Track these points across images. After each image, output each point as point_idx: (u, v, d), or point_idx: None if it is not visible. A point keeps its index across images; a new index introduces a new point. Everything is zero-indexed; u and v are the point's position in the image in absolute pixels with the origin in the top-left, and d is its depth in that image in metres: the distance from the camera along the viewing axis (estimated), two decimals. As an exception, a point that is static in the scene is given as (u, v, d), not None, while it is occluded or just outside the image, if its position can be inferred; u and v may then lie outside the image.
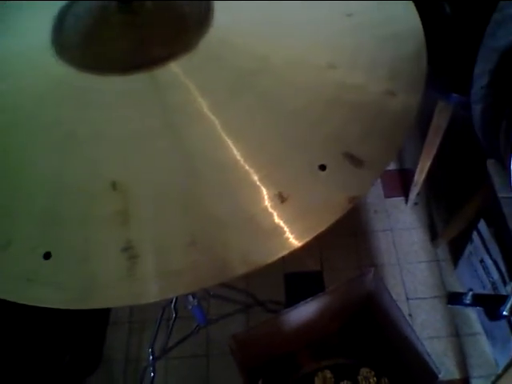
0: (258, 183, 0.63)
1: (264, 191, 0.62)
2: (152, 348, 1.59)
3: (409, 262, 1.84)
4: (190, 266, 0.58)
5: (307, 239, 0.60)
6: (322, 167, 0.64)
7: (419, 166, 1.71)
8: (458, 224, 1.68)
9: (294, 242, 0.60)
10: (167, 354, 1.65)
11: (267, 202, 0.62)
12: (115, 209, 0.62)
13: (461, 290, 1.73)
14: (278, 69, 0.73)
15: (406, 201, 1.96)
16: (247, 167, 0.64)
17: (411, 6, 0.83)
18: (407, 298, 1.76)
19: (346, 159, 0.64)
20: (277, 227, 0.60)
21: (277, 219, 0.61)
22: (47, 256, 0.60)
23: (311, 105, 0.70)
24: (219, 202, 0.63)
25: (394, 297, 1.40)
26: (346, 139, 0.67)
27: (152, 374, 1.58)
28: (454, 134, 1.56)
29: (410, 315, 1.71)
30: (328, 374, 1.44)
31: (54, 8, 0.83)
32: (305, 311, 1.39)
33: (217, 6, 0.79)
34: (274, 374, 1.48)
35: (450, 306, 1.64)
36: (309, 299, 1.34)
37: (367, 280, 1.44)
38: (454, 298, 1.38)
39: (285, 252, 0.59)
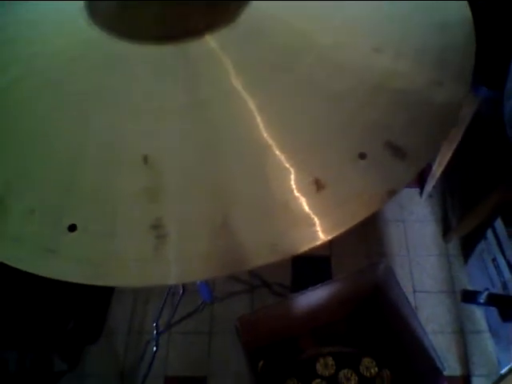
0: (291, 168, 0.60)
1: (298, 177, 0.60)
2: (157, 323, 1.58)
3: (419, 255, 1.82)
4: (216, 250, 0.56)
5: (338, 232, 0.57)
6: (362, 155, 0.61)
7: (438, 159, 1.67)
8: (473, 220, 1.66)
9: (324, 234, 0.57)
10: (171, 328, 1.64)
11: (301, 189, 0.59)
12: (145, 184, 0.59)
13: (469, 287, 1.73)
14: (321, 48, 0.70)
15: (421, 193, 1.93)
16: (278, 152, 0.61)
17: None
18: (414, 291, 1.74)
19: (387, 149, 0.61)
20: (308, 217, 0.58)
21: (309, 208, 0.58)
22: (72, 228, 0.57)
23: (354, 89, 0.66)
24: (250, 185, 0.60)
25: (402, 287, 1.38)
26: (389, 128, 0.64)
27: (154, 349, 1.57)
28: (477, 128, 1.53)
29: (415, 308, 1.70)
30: (330, 360, 1.44)
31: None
32: (312, 297, 1.38)
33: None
34: (275, 356, 1.48)
35: (463, 303, 1.61)
36: (317, 286, 1.32)
37: (378, 270, 1.42)
38: (468, 296, 1.36)
39: (314, 244, 0.56)
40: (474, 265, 1.69)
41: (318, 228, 0.57)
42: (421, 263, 1.80)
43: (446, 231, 1.86)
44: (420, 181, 1.94)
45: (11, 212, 0.59)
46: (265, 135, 0.63)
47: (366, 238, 1.86)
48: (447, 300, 1.72)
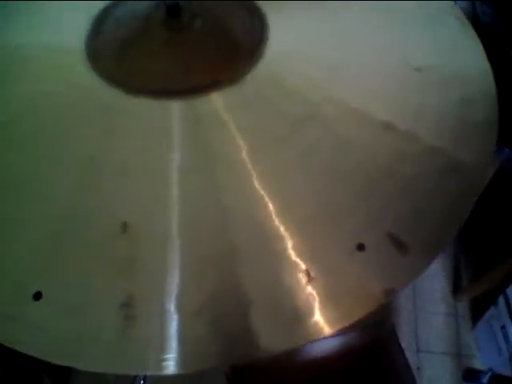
0: (289, 251, 0.55)
1: (295, 263, 0.55)
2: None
3: (426, 311, 1.75)
4: (194, 340, 0.51)
5: (335, 328, 0.52)
6: (361, 247, 0.56)
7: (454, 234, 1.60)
8: (485, 284, 1.59)
9: (321, 328, 0.52)
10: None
11: (295, 277, 0.54)
12: (120, 255, 0.55)
13: (475, 352, 1.65)
14: (328, 120, 0.65)
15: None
16: (282, 229, 0.56)
17: (486, 67, 0.74)
18: (418, 350, 1.67)
19: (389, 241, 0.56)
20: (301, 309, 0.52)
21: (298, 301, 0.53)
22: (38, 296, 0.53)
23: (360, 170, 0.61)
24: (241, 265, 0.56)
25: (405, 346, 1.34)
26: (393, 217, 0.58)
27: (142, 382, 1.53)
28: (497, 188, 1.47)
29: (418, 368, 1.62)
30: (325, 415, 1.38)
31: (96, 7, 0.76)
32: (310, 350, 1.33)
33: (272, 36, 0.71)
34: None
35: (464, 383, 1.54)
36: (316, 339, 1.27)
37: (381, 328, 1.38)
38: (470, 376, 1.30)
39: (307, 340, 0.51)
40: (481, 330, 1.63)
41: (309, 324, 0.52)
42: (427, 321, 1.73)
43: (456, 289, 1.78)
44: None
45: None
46: (267, 209, 0.58)
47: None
48: (451, 363, 1.65)
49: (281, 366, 1.35)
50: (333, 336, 1.28)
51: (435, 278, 1.83)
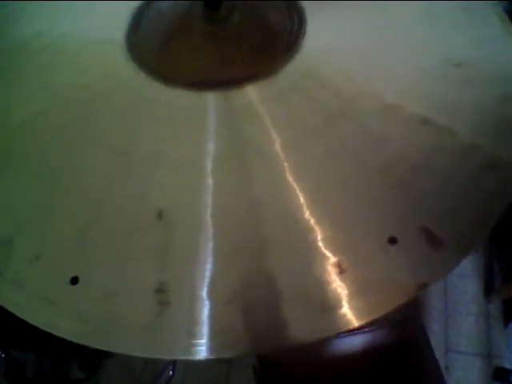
0: (319, 243, 0.56)
1: (325, 255, 0.55)
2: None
3: (457, 312, 1.73)
4: (224, 328, 0.52)
5: (364, 320, 0.52)
6: (393, 240, 0.56)
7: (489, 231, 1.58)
8: (519, 285, 1.56)
9: (350, 320, 0.52)
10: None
11: (325, 269, 0.54)
12: (156, 242, 0.56)
13: (507, 353, 1.62)
14: (364, 114, 0.65)
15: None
16: (312, 222, 0.57)
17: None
18: (447, 350, 1.65)
19: (422, 235, 0.56)
20: (331, 300, 0.53)
21: (333, 291, 0.53)
22: (74, 281, 0.55)
23: (396, 164, 0.61)
24: (273, 256, 0.56)
25: (434, 345, 1.32)
26: (427, 212, 0.58)
27: (171, 373, 1.55)
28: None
29: (446, 368, 1.61)
30: (351, 409, 1.38)
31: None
32: (337, 345, 1.32)
33: (310, 31, 0.71)
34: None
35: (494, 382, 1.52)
36: (345, 335, 1.27)
37: (410, 326, 1.36)
38: (501, 375, 1.27)
39: (335, 331, 0.52)
40: (514, 331, 1.60)
41: (342, 313, 0.52)
42: (458, 321, 1.71)
43: (488, 290, 1.75)
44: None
45: (17, 254, 0.57)
46: (298, 201, 0.58)
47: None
48: (481, 364, 1.62)
49: (307, 362, 1.35)
50: (360, 333, 1.27)
51: (467, 279, 1.80)
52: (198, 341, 0.51)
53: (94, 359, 1.63)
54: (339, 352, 1.37)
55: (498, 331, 1.68)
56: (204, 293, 0.53)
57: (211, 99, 0.66)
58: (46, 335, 1.12)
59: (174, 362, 1.55)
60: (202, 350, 0.51)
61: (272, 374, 1.29)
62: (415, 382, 1.37)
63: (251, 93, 0.66)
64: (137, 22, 0.74)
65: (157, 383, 1.57)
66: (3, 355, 1.46)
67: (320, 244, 0.56)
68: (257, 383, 1.26)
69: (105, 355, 1.64)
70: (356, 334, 1.27)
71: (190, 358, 0.50)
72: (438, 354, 1.53)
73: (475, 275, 1.81)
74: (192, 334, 0.51)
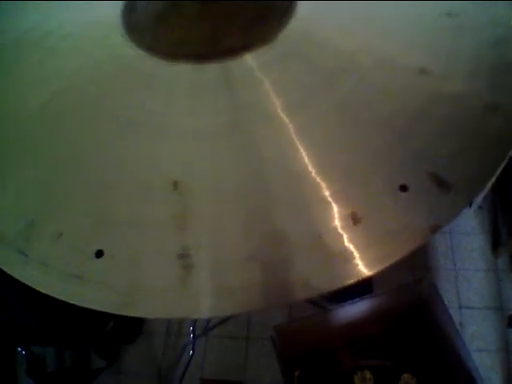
0: (329, 199, 0.57)
1: (335, 209, 0.56)
2: (193, 326, 1.58)
3: (466, 269, 1.75)
4: (246, 284, 0.53)
5: (377, 269, 0.54)
6: (404, 188, 0.57)
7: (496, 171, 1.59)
8: (525, 236, 1.58)
9: (363, 270, 0.54)
10: (208, 332, 1.64)
11: (337, 222, 0.56)
12: (174, 211, 0.58)
13: (518, 305, 1.65)
14: (363, 70, 0.66)
15: (470, 204, 1.85)
16: (319, 179, 0.58)
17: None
18: (460, 307, 1.67)
19: (431, 181, 0.57)
20: (345, 251, 0.54)
21: (346, 242, 0.55)
22: (99, 254, 0.56)
23: (398, 114, 0.62)
24: (285, 215, 0.57)
25: (446, 303, 1.33)
26: (434, 158, 0.59)
27: (191, 352, 1.57)
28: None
29: (460, 324, 1.63)
30: (368, 374, 1.40)
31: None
32: (351, 311, 1.34)
33: (303, -6, 0.72)
34: (312, 366, 1.45)
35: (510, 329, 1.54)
36: (357, 300, 1.29)
37: (421, 287, 1.38)
38: (516, 321, 1.29)
39: (351, 280, 0.53)
40: (523, 282, 1.62)
41: (359, 262, 0.54)
42: (467, 278, 1.73)
43: (495, 245, 1.77)
44: (470, 191, 1.85)
45: (40, 235, 0.59)
46: (304, 161, 0.60)
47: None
48: (494, 317, 1.65)
49: (322, 331, 1.37)
50: (372, 297, 1.28)
51: (473, 236, 1.82)
52: (222, 298, 0.53)
53: (113, 347, 1.65)
54: (353, 318, 1.38)
55: (508, 284, 1.70)
56: (223, 254, 0.55)
57: (211, 70, 0.67)
58: (65, 328, 1.15)
59: (194, 342, 1.57)
60: (226, 307, 0.52)
61: (290, 344, 1.31)
62: (432, 341, 1.39)
63: (250, 60, 0.67)
64: (130, 5, 0.75)
65: (178, 364, 1.59)
66: (24, 352, 1.48)
67: (330, 199, 0.57)
68: (276, 355, 1.28)
69: (125, 342, 1.66)
70: (368, 298, 1.28)
71: (217, 315, 0.52)
72: (452, 311, 1.54)
73: (481, 232, 1.83)
74: (217, 293, 0.53)
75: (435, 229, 0.54)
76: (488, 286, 1.71)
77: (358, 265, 0.54)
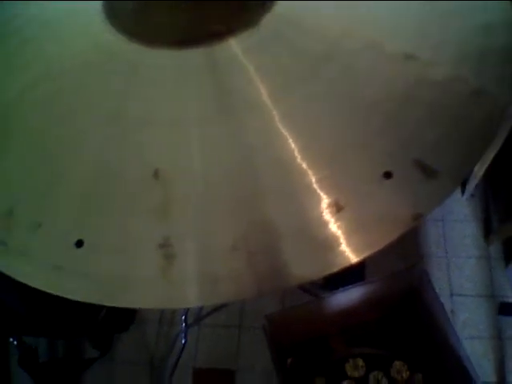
0: (314, 186, 0.56)
1: (320, 196, 0.56)
2: (185, 315, 1.58)
3: (458, 256, 1.75)
4: (232, 273, 0.53)
5: (361, 256, 0.54)
6: (388, 175, 0.56)
7: (481, 157, 1.58)
8: (516, 223, 1.58)
9: (348, 256, 0.53)
10: (200, 321, 1.64)
11: (322, 209, 0.55)
12: (155, 200, 0.57)
13: (509, 293, 1.65)
14: (348, 55, 0.65)
15: (463, 191, 1.85)
16: (304, 166, 0.57)
17: (506, -6, 0.72)
18: (451, 294, 1.68)
19: (416, 168, 0.57)
20: (329, 238, 0.54)
21: (331, 229, 0.54)
22: (79, 244, 0.56)
23: (383, 101, 0.61)
24: (271, 203, 0.57)
25: (438, 291, 1.33)
26: (419, 144, 0.59)
27: (183, 341, 1.58)
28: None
29: (452, 312, 1.64)
30: (360, 361, 1.40)
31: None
32: (344, 298, 1.35)
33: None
34: (304, 354, 1.46)
35: (500, 316, 1.55)
36: (349, 287, 1.29)
37: (413, 275, 1.38)
38: (505, 309, 1.29)
39: (336, 268, 0.53)
40: (515, 269, 1.62)
41: (344, 249, 0.54)
42: (459, 265, 1.73)
43: (487, 233, 1.77)
44: (462, 179, 1.85)
45: (19, 224, 0.58)
46: (289, 147, 0.59)
47: (402, 237, 1.79)
48: (486, 304, 1.65)
49: (314, 319, 1.38)
50: (364, 284, 1.29)
51: (465, 224, 1.82)
52: (207, 288, 0.52)
53: (106, 337, 1.65)
54: (345, 306, 1.38)
55: (500, 272, 1.71)
56: (208, 243, 0.54)
57: (194, 56, 0.66)
58: (56, 318, 1.14)
59: (186, 331, 1.58)
60: (212, 297, 0.52)
61: (281, 333, 1.31)
62: (423, 328, 1.39)
63: (234, 45, 0.66)
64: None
65: (171, 353, 1.59)
66: (15, 342, 1.48)
67: (315, 186, 0.57)
68: (267, 344, 1.28)
69: (117, 331, 1.66)
70: (360, 286, 1.28)
71: (202, 304, 0.51)
72: (443, 298, 1.55)
73: (473, 219, 1.83)
74: (200, 282, 0.52)
75: (417, 217, 0.54)
76: (480, 274, 1.72)
77: (342, 252, 0.54)
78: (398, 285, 1.40)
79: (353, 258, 0.53)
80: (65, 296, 0.53)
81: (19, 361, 1.47)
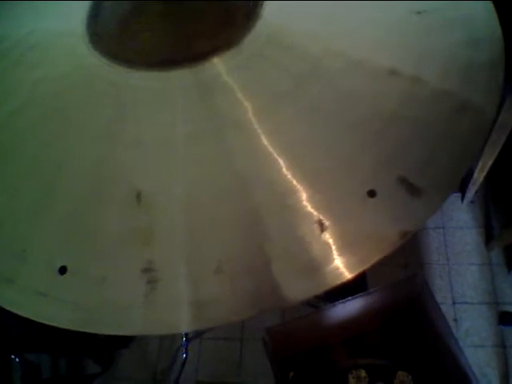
0: (301, 205, 0.56)
1: (307, 214, 0.55)
2: (185, 329, 1.58)
3: (459, 264, 1.73)
4: (217, 297, 0.52)
5: (355, 272, 0.53)
6: (372, 193, 0.56)
7: (480, 164, 1.58)
8: (517, 229, 1.57)
9: (342, 273, 0.53)
10: (202, 335, 1.63)
11: (310, 228, 0.55)
12: (138, 224, 0.57)
13: (513, 299, 1.64)
14: (331, 73, 0.65)
15: (463, 198, 1.84)
16: (292, 184, 0.57)
17: (490, 6, 0.72)
18: (454, 302, 1.66)
19: (400, 185, 0.56)
20: (320, 256, 0.54)
21: (320, 247, 0.54)
22: (63, 270, 0.55)
23: (366, 118, 0.61)
24: (256, 224, 0.56)
25: (440, 300, 1.32)
26: (403, 162, 0.58)
27: (184, 355, 1.57)
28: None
29: (455, 320, 1.62)
30: (363, 373, 1.40)
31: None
32: (345, 309, 1.34)
33: (267, -3, 0.71)
34: (306, 366, 1.45)
35: (501, 326, 1.53)
36: (350, 298, 1.28)
37: (413, 284, 1.37)
38: (506, 319, 1.28)
39: (330, 285, 0.52)
40: (517, 275, 1.60)
41: (326, 271, 0.53)
42: (461, 273, 1.72)
43: (488, 239, 1.76)
44: (461, 186, 1.85)
45: (3, 250, 0.58)
46: (275, 167, 0.59)
47: (402, 246, 1.78)
48: (489, 312, 1.63)
49: (315, 330, 1.37)
50: (364, 295, 1.28)
51: (466, 231, 1.81)
52: (194, 312, 0.52)
53: (107, 352, 1.65)
54: (346, 317, 1.38)
55: (502, 278, 1.69)
56: (192, 266, 0.54)
57: (178, 77, 0.66)
58: (57, 335, 1.14)
59: (187, 345, 1.57)
60: (198, 321, 0.52)
61: (282, 346, 1.30)
62: (425, 338, 1.38)
63: (218, 65, 0.66)
64: (95, 11, 0.74)
65: (173, 368, 1.59)
66: (17, 359, 1.48)
67: (304, 204, 0.56)
68: (268, 357, 1.27)
69: (118, 347, 1.66)
70: (361, 296, 1.28)
71: (189, 329, 0.51)
72: (446, 306, 1.55)
73: (474, 226, 1.81)
74: (186, 307, 0.52)
75: (404, 235, 0.53)
76: (482, 281, 1.70)
77: (335, 269, 0.53)
78: (398, 294, 1.39)
79: (347, 275, 0.53)
80: (50, 324, 0.53)
81: (22, 378, 1.47)
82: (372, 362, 1.42)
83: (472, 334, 1.61)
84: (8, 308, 0.55)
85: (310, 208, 0.56)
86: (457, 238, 1.80)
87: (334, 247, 0.54)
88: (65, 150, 0.64)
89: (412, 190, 0.56)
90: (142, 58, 0.68)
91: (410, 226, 0.54)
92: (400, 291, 1.38)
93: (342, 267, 0.53)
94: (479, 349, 1.58)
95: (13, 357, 1.51)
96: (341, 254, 0.53)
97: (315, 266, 0.53)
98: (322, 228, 0.54)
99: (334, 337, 1.46)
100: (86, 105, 0.67)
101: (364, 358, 1.43)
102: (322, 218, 0.55)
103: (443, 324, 1.30)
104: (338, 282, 0.52)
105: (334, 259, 0.53)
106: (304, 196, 0.57)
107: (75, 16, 0.75)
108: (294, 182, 0.57)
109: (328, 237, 0.54)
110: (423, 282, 1.34)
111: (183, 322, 0.52)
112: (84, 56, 0.69)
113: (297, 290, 0.53)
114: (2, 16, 0.84)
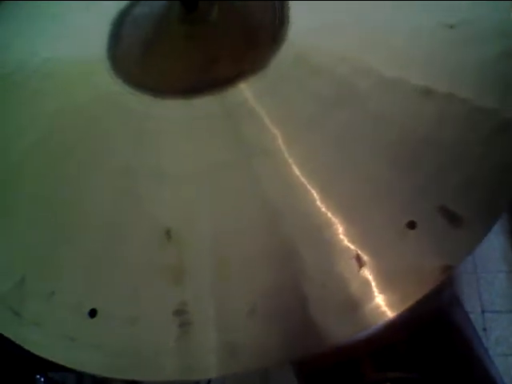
0: (337, 238, 0.53)
1: (345, 249, 0.52)
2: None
3: (487, 271, 1.69)
4: (251, 341, 0.50)
5: (398, 310, 0.50)
6: (411, 224, 0.53)
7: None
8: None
9: (384, 311, 0.50)
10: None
11: (347, 263, 0.52)
12: (168, 262, 0.54)
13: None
14: (363, 95, 0.62)
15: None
16: (327, 217, 0.54)
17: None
18: (482, 311, 1.62)
19: (441, 215, 0.53)
20: (352, 298, 0.51)
21: (353, 288, 0.51)
22: (93, 313, 0.53)
23: (401, 143, 0.58)
24: (291, 259, 0.53)
25: (469, 309, 1.29)
26: (443, 189, 0.55)
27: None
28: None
29: (484, 329, 1.58)
30: (391, 387, 1.35)
31: (114, 9, 0.75)
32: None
33: (293, 16, 0.68)
34: (333, 380, 1.41)
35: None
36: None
37: (441, 293, 1.33)
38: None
39: (372, 325, 0.50)
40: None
41: (367, 310, 0.50)
42: (489, 281, 1.67)
43: (516, 245, 1.72)
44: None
45: (31, 293, 0.56)
46: (311, 197, 0.56)
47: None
48: (519, 320, 1.59)
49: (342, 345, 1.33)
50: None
51: (493, 237, 1.76)
52: (226, 357, 0.49)
53: None
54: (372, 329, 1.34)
55: (532, 285, 1.65)
56: (224, 307, 0.52)
57: (204, 104, 0.64)
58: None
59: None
60: (231, 367, 0.49)
61: (309, 361, 1.27)
62: (454, 350, 1.34)
63: (244, 90, 0.64)
64: (116, 36, 0.72)
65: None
66: (42, 379, 1.46)
67: (340, 238, 0.54)
68: (294, 371, 1.25)
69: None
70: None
71: (221, 375, 0.49)
72: (474, 315, 1.51)
73: (502, 232, 1.77)
74: (218, 352, 0.50)
75: (447, 270, 0.51)
76: (511, 289, 1.66)
77: (376, 307, 0.50)
78: (427, 305, 1.35)
79: (389, 314, 0.50)
80: (78, 369, 0.51)
81: (46, 397, 1.46)
82: (401, 376, 1.38)
83: (502, 343, 1.57)
84: (36, 352, 0.54)
85: (346, 242, 0.53)
86: (484, 245, 1.75)
87: (373, 284, 0.51)
88: (88, 185, 0.62)
89: (453, 219, 0.53)
90: (165, 85, 0.66)
91: (453, 259, 0.52)
92: (429, 301, 1.35)
93: (383, 305, 0.50)
94: (510, 358, 1.54)
95: (38, 376, 1.50)
96: (381, 291, 0.50)
97: (355, 304, 0.50)
98: (361, 263, 0.51)
99: (361, 349, 1.43)
100: (109, 136, 0.66)
101: (392, 372, 1.39)
102: (360, 252, 0.52)
103: (473, 334, 1.26)
104: (380, 321, 0.49)
105: (374, 297, 0.50)
106: (340, 229, 0.54)
107: (95, 41, 0.73)
108: (329, 214, 0.55)
109: (367, 273, 0.51)
110: (452, 293, 1.31)
111: (214, 368, 0.49)
112: (105, 83, 0.68)
113: (336, 332, 0.50)
114: (18, 42, 0.82)
